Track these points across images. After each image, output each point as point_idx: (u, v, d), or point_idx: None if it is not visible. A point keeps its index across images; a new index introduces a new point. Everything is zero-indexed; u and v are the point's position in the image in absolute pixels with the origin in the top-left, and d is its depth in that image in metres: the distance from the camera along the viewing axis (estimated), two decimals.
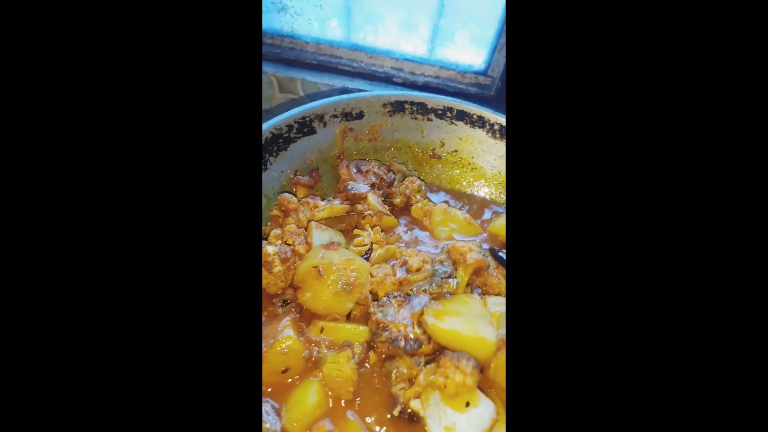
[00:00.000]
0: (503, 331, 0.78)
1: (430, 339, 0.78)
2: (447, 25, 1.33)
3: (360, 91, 1.37)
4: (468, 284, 0.89)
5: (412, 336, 0.78)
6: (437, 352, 0.79)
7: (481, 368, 0.77)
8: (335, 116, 1.07)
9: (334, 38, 1.41)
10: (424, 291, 0.85)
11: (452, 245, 0.91)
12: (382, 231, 0.99)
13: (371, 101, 1.10)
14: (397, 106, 1.12)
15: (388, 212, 1.03)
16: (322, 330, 0.80)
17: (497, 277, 0.90)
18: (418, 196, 1.10)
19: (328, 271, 0.82)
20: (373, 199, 1.02)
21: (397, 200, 1.08)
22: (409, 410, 0.75)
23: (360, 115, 1.10)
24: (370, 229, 0.99)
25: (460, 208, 1.11)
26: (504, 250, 0.95)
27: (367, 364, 0.80)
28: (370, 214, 1.01)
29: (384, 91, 1.11)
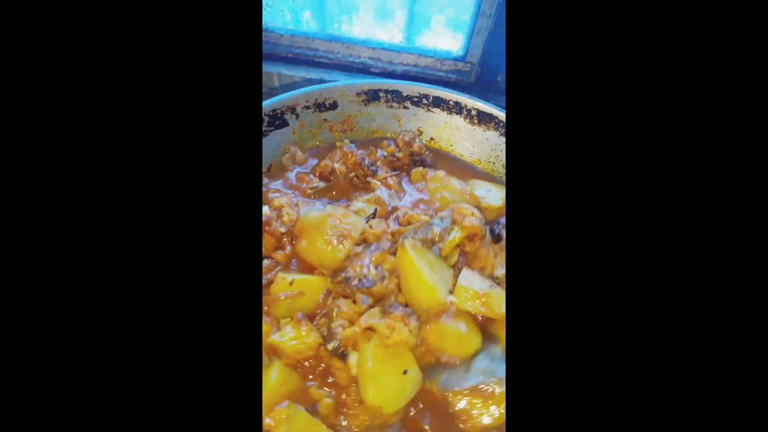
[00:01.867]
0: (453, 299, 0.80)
1: (383, 278, 0.79)
2: (422, 10, 1.30)
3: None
4: (458, 245, 0.88)
5: (367, 275, 0.78)
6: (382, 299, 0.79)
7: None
8: (308, 107, 1.05)
9: (309, 29, 1.38)
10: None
11: (458, 205, 0.91)
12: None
13: (344, 90, 1.07)
14: (372, 95, 1.09)
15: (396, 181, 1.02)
16: (291, 283, 0.80)
17: (487, 251, 0.88)
18: (418, 141, 1.06)
19: (325, 223, 0.83)
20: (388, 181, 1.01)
21: (400, 154, 1.05)
22: (342, 350, 0.75)
23: (333, 105, 1.07)
24: (381, 187, 0.97)
25: None
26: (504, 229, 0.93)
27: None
28: (355, 176, 0.99)
29: (357, 80, 1.09)
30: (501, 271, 0.86)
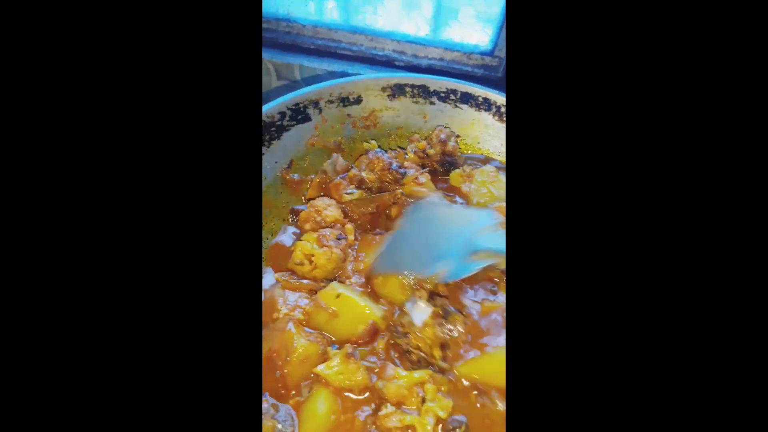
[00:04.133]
0: None
1: (445, 359, 0.75)
2: (450, 2, 1.25)
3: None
4: None
5: (425, 356, 0.74)
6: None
7: None
8: (331, 101, 1.01)
9: (332, 21, 1.34)
10: None
11: (501, 205, 0.89)
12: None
13: (369, 84, 1.03)
14: (397, 90, 1.05)
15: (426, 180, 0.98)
16: (338, 296, 0.77)
17: None
18: (453, 140, 1.02)
19: (399, 279, 0.81)
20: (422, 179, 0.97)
21: (432, 151, 1.01)
22: None
23: (357, 100, 1.04)
24: (463, 179, 0.98)
25: None
26: None
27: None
28: (401, 193, 0.95)
29: (383, 74, 1.05)
30: None
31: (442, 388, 0.71)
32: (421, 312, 0.74)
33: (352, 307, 0.77)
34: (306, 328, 0.76)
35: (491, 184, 0.96)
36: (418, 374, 0.71)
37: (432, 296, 0.79)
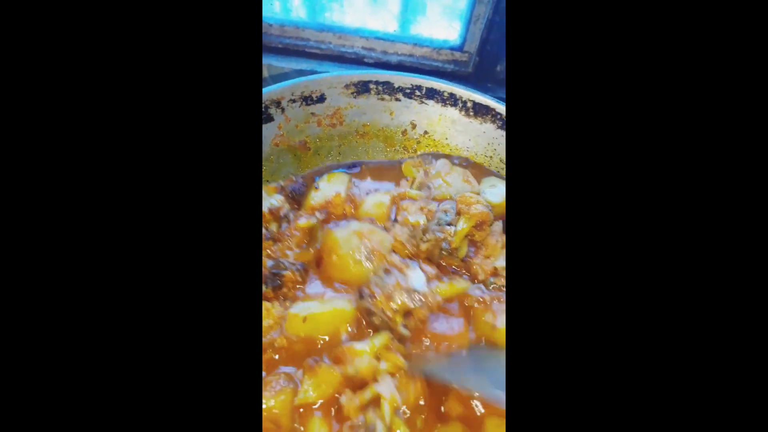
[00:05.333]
0: None
1: (403, 338, 0.73)
2: None
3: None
4: (466, 236, 0.86)
5: (387, 320, 0.73)
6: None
7: None
8: (293, 101, 0.99)
9: (299, 18, 1.33)
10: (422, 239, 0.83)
11: (461, 195, 0.88)
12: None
13: (332, 82, 1.01)
14: (362, 87, 1.04)
15: None
16: (304, 320, 0.73)
17: (497, 241, 0.86)
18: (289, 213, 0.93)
19: (351, 240, 0.81)
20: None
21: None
22: None
23: (321, 98, 1.02)
24: (416, 169, 0.97)
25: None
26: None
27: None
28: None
29: (346, 71, 1.03)
30: (502, 262, 0.84)
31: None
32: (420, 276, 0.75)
33: (325, 318, 0.74)
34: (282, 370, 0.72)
35: (447, 176, 0.96)
36: (378, 340, 0.70)
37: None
